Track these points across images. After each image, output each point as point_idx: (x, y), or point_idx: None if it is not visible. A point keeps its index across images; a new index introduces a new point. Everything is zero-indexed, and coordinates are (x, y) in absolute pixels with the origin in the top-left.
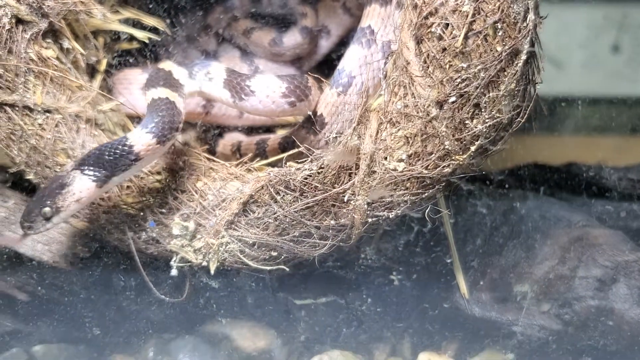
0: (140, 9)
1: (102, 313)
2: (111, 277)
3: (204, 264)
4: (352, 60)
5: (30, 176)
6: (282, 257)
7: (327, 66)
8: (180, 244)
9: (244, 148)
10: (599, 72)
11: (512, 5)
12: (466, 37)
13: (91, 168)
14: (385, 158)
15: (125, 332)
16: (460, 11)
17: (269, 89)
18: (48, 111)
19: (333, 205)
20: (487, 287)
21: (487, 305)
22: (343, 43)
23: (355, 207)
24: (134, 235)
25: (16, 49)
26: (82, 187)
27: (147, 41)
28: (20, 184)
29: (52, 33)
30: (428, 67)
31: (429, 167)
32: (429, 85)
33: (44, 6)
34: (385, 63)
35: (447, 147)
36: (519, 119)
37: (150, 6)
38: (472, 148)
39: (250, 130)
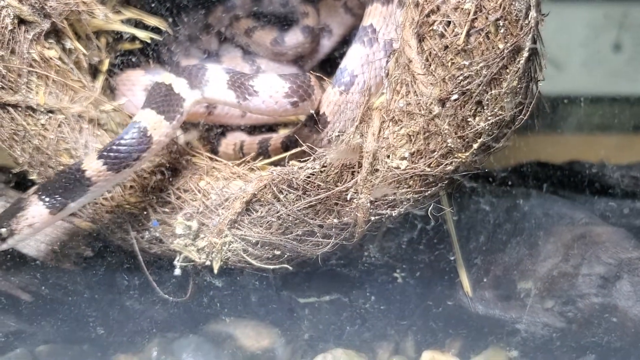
0: (142, 8)
1: (106, 312)
2: (115, 276)
3: (208, 263)
4: (354, 59)
5: (33, 176)
6: (286, 255)
7: (329, 64)
8: (183, 244)
9: (246, 147)
10: (600, 71)
11: (513, 3)
12: (468, 35)
13: (47, 194)
14: (388, 156)
15: (129, 332)
16: (462, 9)
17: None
18: (51, 111)
19: (336, 204)
20: (490, 284)
21: (490, 302)
22: (346, 42)
23: (358, 205)
24: (137, 235)
25: (19, 50)
26: (36, 213)
27: (149, 41)
28: (24, 185)
29: (55, 33)
30: (430, 65)
31: (431, 165)
32: (431, 83)
33: (46, 6)
34: (387, 61)
35: (449, 144)
36: (521, 116)
37: (153, 5)
38: (475, 145)
39: (253, 129)
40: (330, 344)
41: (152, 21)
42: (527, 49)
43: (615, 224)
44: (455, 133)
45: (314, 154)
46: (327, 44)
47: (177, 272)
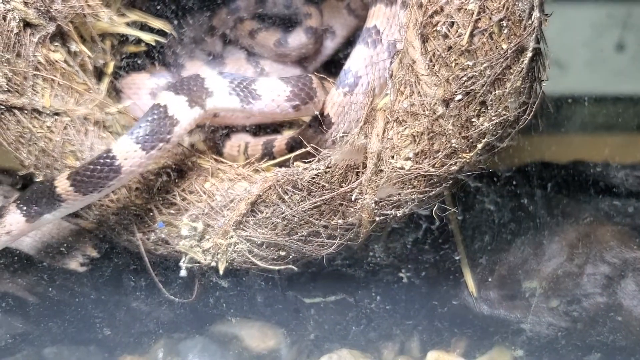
0: (146, 11)
1: (113, 314)
2: (121, 277)
3: (213, 264)
4: (358, 60)
5: (39, 178)
6: (291, 256)
7: (333, 65)
8: (189, 245)
9: (251, 149)
10: (604, 71)
11: (517, 3)
12: (472, 35)
13: (26, 204)
14: (392, 157)
15: (135, 333)
16: (466, 9)
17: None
18: (56, 114)
19: (341, 205)
20: (495, 284)
21: (495, 302)
22: (349, 43)
23: (363, 206)
24: (143, 237)
25: (24, 53)
26: (13, 220)
27: (154, 44)
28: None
29: (60, 36)
30: (434, 66)
31: (436, 165)
32: (435, 84)
33: (51, 10)
34: (391, 62)
35: (453, 145)
36: (525, 116)
37: (157, 8)
38: (479, 146)
39: (258, 129)
40: (335, 344)
41: (156, 24)
42: (530, 49)
43: (619, 224)
44: (460, 133)
45: (318, 154)
46: (330, 45)
47: (183, 273)
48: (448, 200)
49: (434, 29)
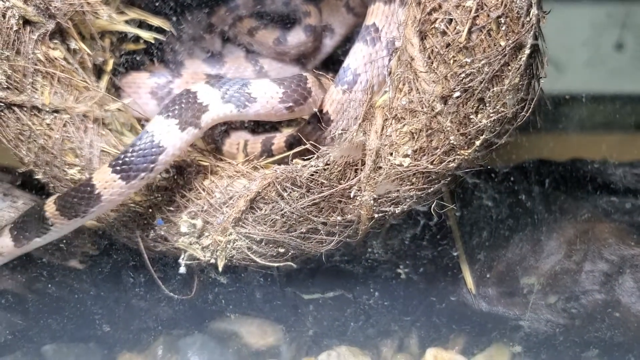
0: (145, 8)
1: (112, 310)
2: (120, 274)
3: (212, 261)
4: (357, 58)
5: (39, 176)
6: (290, 253)
7: (332, 62)
8: (188, 242)
9: (250, 146)
10: (603, 70)
11: (515, 0)
12: (470, 32)
13: (17, 228)
14: (391, 154)
15: (134, 329)
16: (464, 6)
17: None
18: (56, 111)
19: (339, 201)
20: (493, 280)
21: (493, 299)
22: (348, 40)
23: (362, 202)
24: (142, 233)
25: (24, 50)
26: (3, 243)
27: (152, 41)
28: (29, 184)
29: (59, 34)
30: (432, 63)
31: (434, 162)
32: (433, 81)
33: (50, 7)
34: (390, 60)
35: (452, 141)
36: (523, 113)
37: (156, 5)
38: (477, 142)
39: (257, 126)
40: (334, 341)
41: (155, 21)
42: (528, 46)
43: (618, 221)
44: (458, 130)
45: (317, 152)
46: (329, 43)
47: (182, 269)
48: (446, 197)
49: (432, 26)
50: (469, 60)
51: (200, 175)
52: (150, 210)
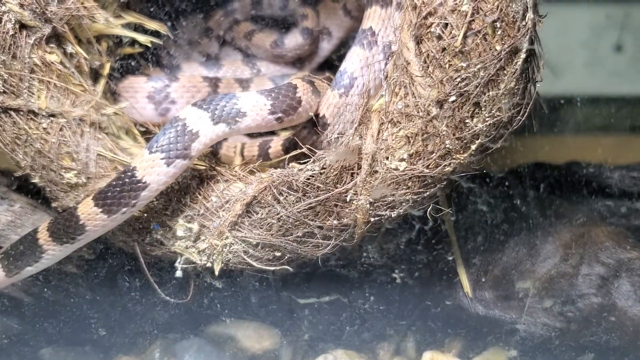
0: (142, 12)
1: (108, 314)
2: (116, 278)
3: (208, 265)
4: (354, 62)
5: (35, 180)
6: (286, 257)
7: (327, 66)
8: (184, 246)
9: (247, 150)
10: (602, 72)
11: (510, 4)
12: (465, 37)
13: (7, 258)
14: (387, 158)
15: (130, 333)
16: (459, 11)
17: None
18: (52, 115)
19: (335, 205)
20: (489, 284)
21: (489, 302)
22: (345, 44)
23: (358, 206)
24: (138, 237)
25: (20, 54)
26: None
27: (149, 45)
28: (26, 188)
29: (56, 38)
30: (428, 67)
31: (430, 166)
32: (429, 85)
33: (47, 11)
34: (386, 64)
35: (447, 146)
36: (519, 117)
37: (152, 9)
38: (473, 147)
39: None
40: (330, 345)
41: (152, 25)
42: (524, 50)
43: (614, 224)
44: (453, 134)
45: (313, 156)
46: (326, 47)
47: (178, 273)
48: (442, 201)
49: (428, 30)
50: (464, 64)
51: (197, 179)
52: (146, 214)
